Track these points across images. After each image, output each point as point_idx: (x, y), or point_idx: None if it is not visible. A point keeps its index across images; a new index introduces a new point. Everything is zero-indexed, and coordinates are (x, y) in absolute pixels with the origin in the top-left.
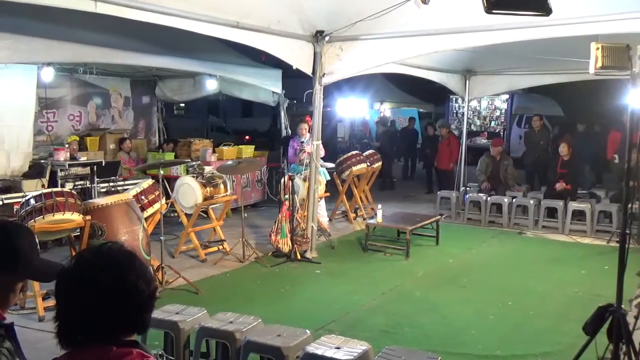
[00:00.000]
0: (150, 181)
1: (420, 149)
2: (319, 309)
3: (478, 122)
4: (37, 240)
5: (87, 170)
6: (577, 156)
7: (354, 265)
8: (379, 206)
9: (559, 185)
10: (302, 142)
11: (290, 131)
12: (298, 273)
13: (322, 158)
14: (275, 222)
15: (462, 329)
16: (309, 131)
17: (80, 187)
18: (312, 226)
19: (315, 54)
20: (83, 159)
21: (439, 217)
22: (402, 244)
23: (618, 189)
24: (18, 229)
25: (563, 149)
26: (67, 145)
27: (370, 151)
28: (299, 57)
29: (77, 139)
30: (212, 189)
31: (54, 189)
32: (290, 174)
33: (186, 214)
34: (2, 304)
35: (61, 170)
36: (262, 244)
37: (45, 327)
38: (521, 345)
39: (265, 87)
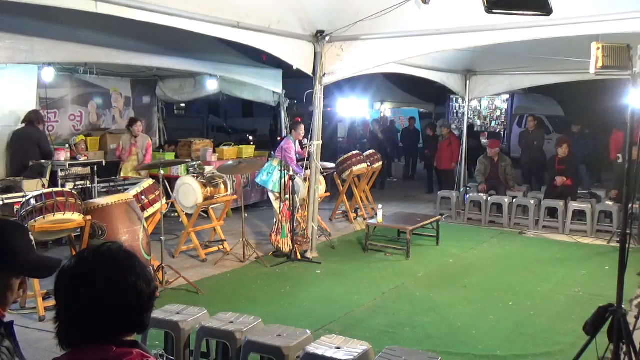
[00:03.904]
0: (150, 181)
1: (421, 149)
2: (319, 309)
3: (479, 122)
4: (31, 237)
5: (88, 170)
6: (574, 153)
7: (354, 265)
8: (380, 206)
9: (560, 180)
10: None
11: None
12: (298, 273)
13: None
14: (276, 222)
15: (462, 329)
16: None
17: (80, 187)
18: (313, 226)
19: (315, 53)
20: (83, 159)
21: (440, 217)
22: (402, 244)
23: (620, 188)
24: (8, 225)
25: (564, 150)
26: (74, 145)
27: (371, 151)
28: (299, 57)
29: (84, 138)
30: (212, 189)
31: (55, 189)
32: (290, 174)
33: (186, 214)
34: (1, 302)
35: (62, 170)
36: (263, 244)
37: (46, 327)
38: (521, 345)
39: (266, 87)
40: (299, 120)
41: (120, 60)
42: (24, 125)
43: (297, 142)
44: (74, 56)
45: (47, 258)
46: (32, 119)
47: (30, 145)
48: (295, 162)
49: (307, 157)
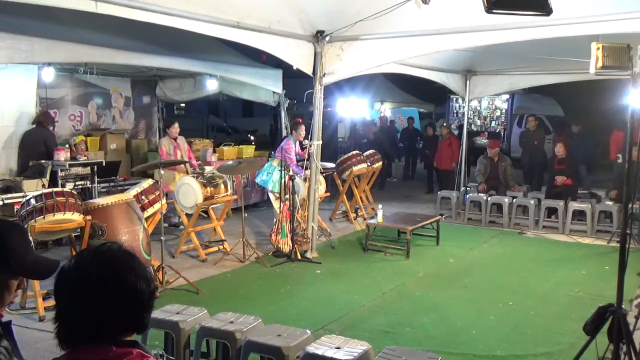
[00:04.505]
0: (150, 181)
1: (421, 149)
2: (319, 309)
3: (478, 122)
4: (29, 237)
5: (88, 170)
6: (573, 153)
7: (354, 265)
8: (380, 206)
9: (560, 179)
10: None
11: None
12: (298, 273)
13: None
14: (276, 222)
15: (462, 329)
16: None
17: (80, 187)
18: (313, 226)
19: (315, 53)
20: (83, 159)
21: (440, 217)
22: (402, 244)
23: (620, 188)
24: (7, 226)
25: (560, 150)
26: (74, 145)
27: (371, 151)
28: (299, 57)
29: (84, 138)
30: (212, 189)
31: (55, 189)
32: (290, 174)
33: (187, 214)
34: None
35: (62, 170)
36: (263, 244)
37: (46, 327)
38: (521, 345)
39: (266, 87)
40: (300, 120)
41: (120, 60)
42: (34, 126)
43: (298, 142)
44: (74, 56)
45: (45, 259)
46: (42, 120)
47: (39, 146)
48: (295, 162)
49: (307, 157)
